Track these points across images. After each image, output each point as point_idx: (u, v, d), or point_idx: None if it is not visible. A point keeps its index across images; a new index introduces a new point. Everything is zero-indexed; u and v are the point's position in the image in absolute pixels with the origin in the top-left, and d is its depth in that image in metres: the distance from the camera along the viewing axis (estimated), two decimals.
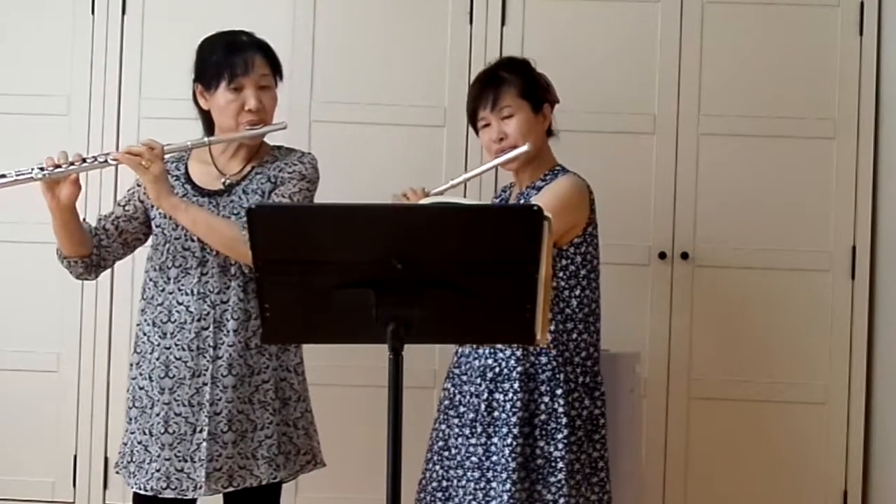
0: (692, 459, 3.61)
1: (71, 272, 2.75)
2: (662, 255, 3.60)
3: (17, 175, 2.56)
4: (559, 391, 2.71)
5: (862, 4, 3.60)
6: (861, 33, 3.61)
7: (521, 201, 2.86)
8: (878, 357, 3.59)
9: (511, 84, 2.82)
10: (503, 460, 2.68)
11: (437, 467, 2.83)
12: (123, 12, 3.66)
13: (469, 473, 2.74)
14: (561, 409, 2.70)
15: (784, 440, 3.61)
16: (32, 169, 2.55)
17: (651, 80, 3.62)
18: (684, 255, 3.60)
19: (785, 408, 3.62)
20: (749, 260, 3.62)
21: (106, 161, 2.62)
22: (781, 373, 3.62)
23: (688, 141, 3.62)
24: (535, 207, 1.99)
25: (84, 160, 2.59)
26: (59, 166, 2.56)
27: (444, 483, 2.81)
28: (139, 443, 2.71)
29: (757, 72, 3.62)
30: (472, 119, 2.89)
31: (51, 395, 3.65)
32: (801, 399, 3.62)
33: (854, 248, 3.61)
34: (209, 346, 2.66)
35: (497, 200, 3.09)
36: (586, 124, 3.58)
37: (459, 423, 2.80)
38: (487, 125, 2.84)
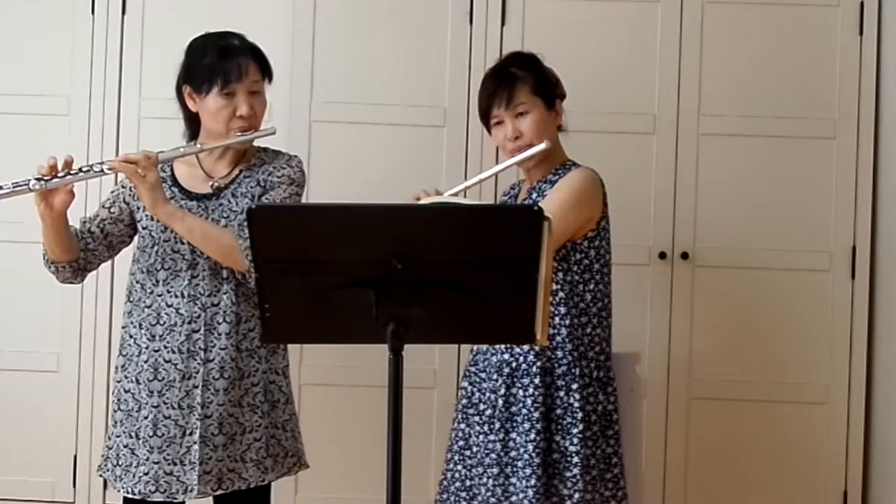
0: (692, 459, 3.61)
1: (58, 277, 2.74)
2: (662, 255, 3.60)
3: (13, 187, 2.55)
4: (575, 386, 2.70)
5: (862, 4, 3.60)
6: (861, 33, 3.61)
7: (534, 196, 2.84)
8: (878, 357, 3.59)
9: (525, 81, 2.80)
10: (526, 455, 2.67)
11: (459, 466, 2.81)
12: (123, 12, 3.66)
13: (488, 470, 2.72)
14: (577, 404, 2.69)
15: (784, 440, 3.61)
16: (29, 180, 2.54)
17: (651, 80, 3.62)
18: (684, 255, 3.60)
19: (785, 408, 3.62)
20: (749, 260, 3.62)
21: (102, 170, 2.61)
22: (781, 373, 3.62)
23: (688, 141, 3.62)
24: (535, 207, 1.99)
25: (80, 169, 2.58)
26: (55, 176, 2.55)
27: (468, 482, 2.79)
28: (125, 446, 2.69)
29: (757, 72, 3.62)
30: (485, 117, 2.86)
31: (51, 395, 3.66)
32: (801, 399, 3.62)
33: (854, 248, 3.61)
34: (200, 348, 2.66)
35: (506, 198, 3.07)
36: (586, 124, 3.56)
37: (479, 421, 2.78)
38: (500, 123, 2.81)
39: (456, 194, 2.78)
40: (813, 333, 3.61)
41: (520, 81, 2.80)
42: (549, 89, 2.84)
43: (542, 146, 2.74)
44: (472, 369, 2.85)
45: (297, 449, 2.78)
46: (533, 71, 2.84)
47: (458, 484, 2.80)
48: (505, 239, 2.01)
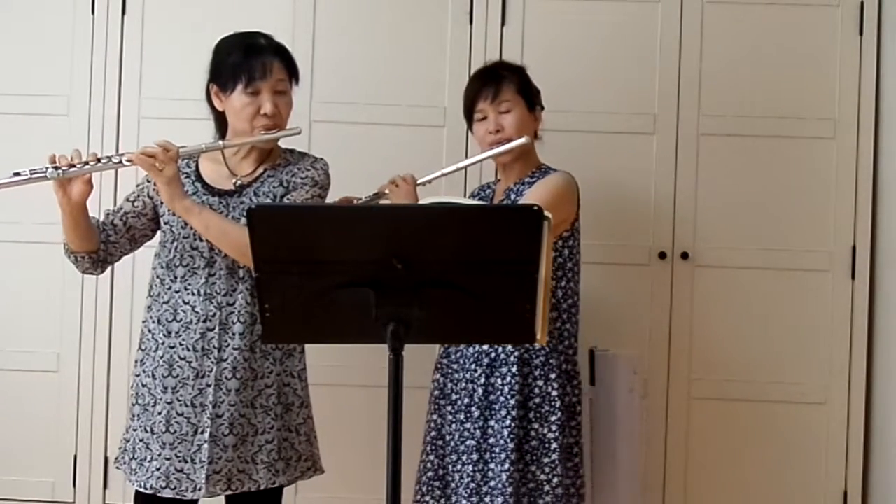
0: (692, 459, 3.61)
1: (78, 267, 2.76)
2: (662, 255, 3.60)
3: (31, 174, 2.57)
4: (553, 375, 2.83)
5: (862, 4, 3.60)
6: (861, 33, 3.61)
7: (512, 197, 2.93)
8: (878, 357, 3.59)
9: (510, 81, 2.94)
10: (502, 441, 2.78)
11: (432, 457, 2.92)
12: (123, 12, 3.66)
13: (466, 457, 2.82)
14: (555, 393, 2.82)
15: (784, 440, 3.61)
16: (47, 168, 2.56)
17: (651, 80, 3.62)
18: (684, 255, 3.60)
19: (785, 408, 3.62)
20: (749, 260, 3.62)
21: (120, 161, 2.63)
22: (781, 373, 3.62)
23: (688, 141, 3.62)
24: (536, 207, 1.99)
25: (98, 160, 2.60)
26: (73, 165, 2.56)
27: (441, 472, 2.90)
28: (141, 440, 2.71)
29: (757, 72, 3.62)
30: (469, 112, 2.98)
31: (51, 395, 3.65)
32: (801, 399, 3.61)
33: (854, 248, 3.61)
34: (214, 347, 2.66)
35: (477, 198, 3.14)
36: (586, 124, 3.58)
37: (453, 411, 2.89)
38: (484, 118, 2.93)
39: (429, 181, 2.88)
40: (813, 333, 3.61)
41: (506, 80, 2.95)
42: (531, 93, 2.98)
43: (521, 140, 2.86)
44: (444, 361, 2.96)
45: (311, 453, 2.78)
46: (518, 74, 2.99)
47: (430, 474, 2.91)
48: (505, 239, 2.01)
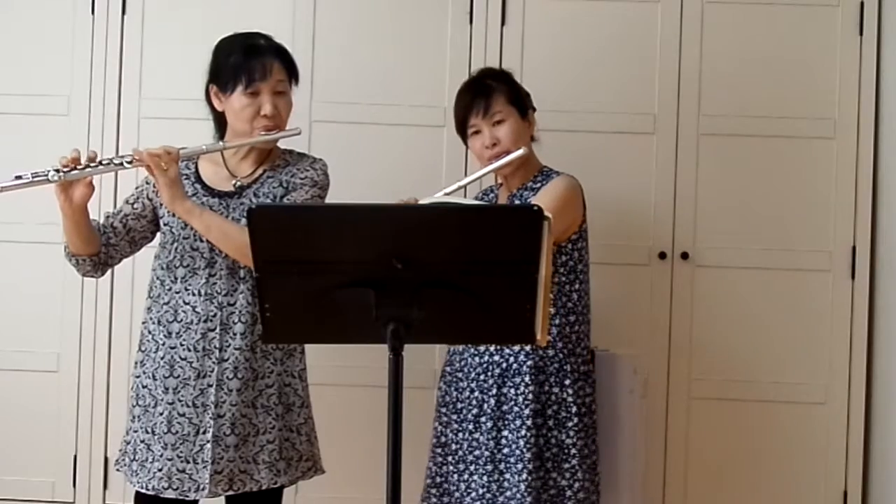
0: (692, 459, 3.61)
1: (78, 270, 2.76)
2: (662, 255, 3.61)
3: (33, 177, 2.56)
4: (567, 381, 2.82)
5: (862, 4, 3.60)
6: (861, 33, 3.61)
7: (516, 202, 2.92)
8: (878, 357, 3.59)
9: (500, 92, 2.91)
10: (518, 451, 2.77)
11: (431, 463, 2.94)
12: (123, 12, 3.66)
13: (474, 467, 2.82)
14: (570, 399, 2.82)
15: (784, 440, 3.61)
16: (48, 171, 2.55)
17: (651, 80, 3.62)
18: (684, 255, 3.60)
19: (785, 408, 3.62)
20: (749, 260, 3.62)
21: (122, 164, 2.62)
22: (781, 373, 3.62)
23: (688, 141, 3.62)
24: (536, 207, 2.00)
25: (100, 162, 2.59)
26: (74, 168, 2.56)
27: (438, 479, 2.91)
28: (142, 441, 2.71)
29: (757, 72, 3.62)
30: (461, 127, 2.96)
31: (51, 395, 3.65)
32: (801, 399, 3.61)
33: (854, 248, 3.61)
34: (215, 347, 2.66)
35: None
36: (586, 124, 3.58)
37: (458, 420, 2.88)
38: (478, 132, 2.91)
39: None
40: (813, 333, 3.61)
41: (496, 92, 2.91)
42: (522, 100, 2.95)
43: (520, 152, 2.83)
44: (448, 369, 2.95)
45: (312, 453, 2.79)
46: (507, 83, 2.96)
47: (428, 481, 2.93)
48: (505, 239, 2.01)
